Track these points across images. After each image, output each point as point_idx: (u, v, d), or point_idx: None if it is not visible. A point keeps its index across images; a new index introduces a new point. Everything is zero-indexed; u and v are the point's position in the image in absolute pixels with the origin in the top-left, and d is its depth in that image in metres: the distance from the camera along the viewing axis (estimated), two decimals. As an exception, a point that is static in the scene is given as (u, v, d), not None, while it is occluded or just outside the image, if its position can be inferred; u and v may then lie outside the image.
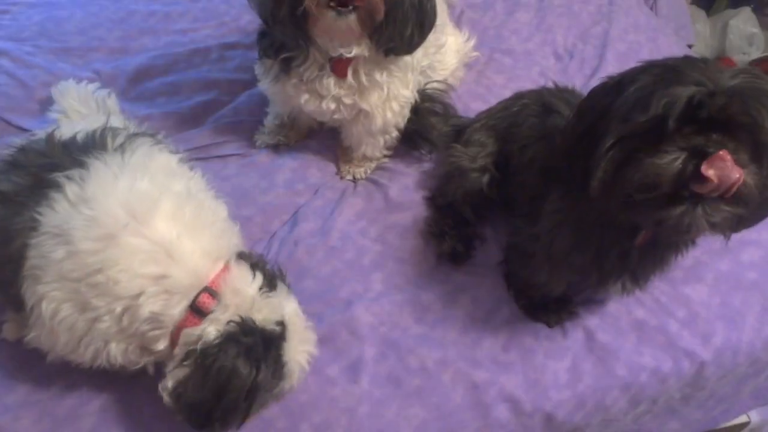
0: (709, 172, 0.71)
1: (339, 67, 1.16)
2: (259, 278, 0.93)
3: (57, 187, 0.90)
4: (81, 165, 0.92)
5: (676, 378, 1.14)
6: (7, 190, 0.93)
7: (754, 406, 1.40)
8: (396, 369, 1.11)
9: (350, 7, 1.03)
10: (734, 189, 0.72)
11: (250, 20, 1.66)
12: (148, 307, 0.86)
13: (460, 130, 1.34)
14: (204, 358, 0.84)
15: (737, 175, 0.71)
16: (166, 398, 0.87)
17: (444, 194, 1.29)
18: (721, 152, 0.71)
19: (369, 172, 1.42)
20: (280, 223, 1.32)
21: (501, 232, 1.29)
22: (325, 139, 1.47)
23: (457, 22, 1.74)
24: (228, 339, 0.85)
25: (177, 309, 0.88)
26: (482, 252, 1.27)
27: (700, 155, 0.72)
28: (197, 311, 0.88)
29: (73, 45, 1.65)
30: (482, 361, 1.12)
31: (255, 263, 0.96)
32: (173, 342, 0.90)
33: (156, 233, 0.87)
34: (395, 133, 1.36)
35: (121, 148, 0.98)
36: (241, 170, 1.40)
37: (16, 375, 1.06)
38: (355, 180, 1.41)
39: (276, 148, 1.45)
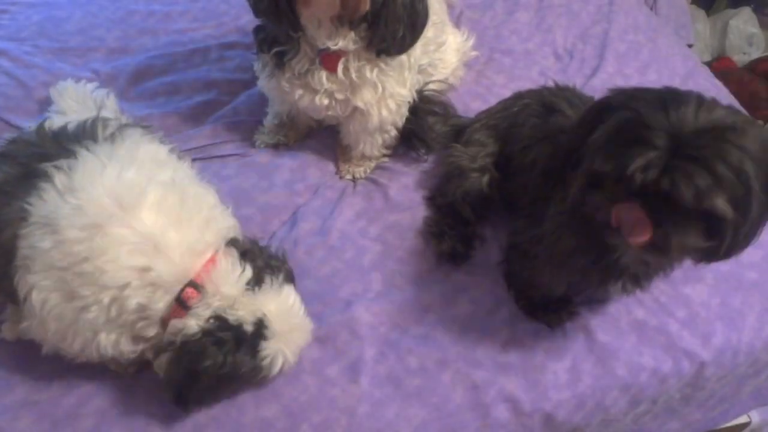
0: (617, 223, 0.80)
1: (328, 61, 1.17)
2: (248, 272, 0.94)
3: (46, 176, 0.90)
4: (69, 154, 0.93)
5: (676, 378, 1.14)
6: None
7: (755, 407, 1.40)
8: (396, 369, 1.11)
9: None
10: (640, 244, 0.79)
11: (249, 20, 1.66)
12: (135, 299, 0.87)
13: (460, 130, 1.34)
14: (183, 349, 0.90)
15: (644, 237, 0.78)
16: (158, 372, 0.94)
17: (444, 194, 1.29)
18: (633, 210, 0.78)
19: (368, 171, 1.42)
20: (279, 223, 1.32)
21: (501, 232, 1.28)
22: (325, 139, 1.47)
23: (457, 22, 1.74)
24: (205, 334, 0.89)
25: (162, 303, 0.90)
26: (482, 252, 1.27)
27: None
28: (182, 304, 0.90)
29: (73, 45, 1.65)
30: (482, 361, 1.12)
31: (246, 251, 0.97)
32: (164, 327, 0.92)
33: (142, 224, 0.88)
34: (394, 132, 1.36)
35: (111, 138, 0.98)
36: (240, 170, 1.39)
37: (16, 375, 1.06)
38: (354, 180, 1.41)
39: (275, 147, 1.45)
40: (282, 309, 0.96)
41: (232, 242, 0.98)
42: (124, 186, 0.90)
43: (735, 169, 0.73)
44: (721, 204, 0.74)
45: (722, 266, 1.25)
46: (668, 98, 0.78)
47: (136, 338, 0.93)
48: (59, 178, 0.90)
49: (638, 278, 0.99)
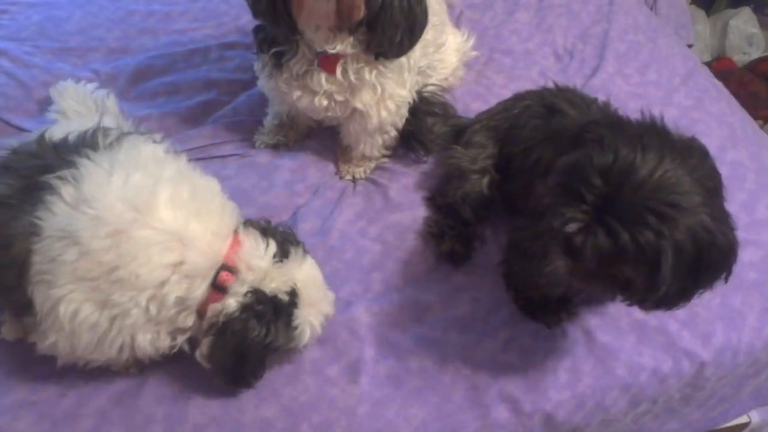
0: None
1: (326, 63, 1.17)
2: (273, 246, 0.98)
3: (50, 189, 0.90)
4: (70, 165, 0.93)
5: (676, 378, 1.14)
6: (2, 193, 0.93)
7: (755, 407, 1.40)
8: (396, 369, 1.11)
9: None
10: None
11: (249, 20, 1.65)
12: (174, 293, 0.90)
13: (460, 131, 1.34)
14: (225, 328, 0.93)
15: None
16: (204, 364, 0.97)
17: (444, 195, 1.29)
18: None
19: (368, 172, 1.42)
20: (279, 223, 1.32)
21: (501, 232, 1.28)
22: (325, 140, 1.47)
23: (457, 22, 1.74)
24: (245, 309, 0.93)
25: (200, 290, 0.92)
26: (482, 253, 1.27)
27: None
28: (219, 288, 0.93)
29: (73, 45, 1.65)
30: (482, 361, 1.12)
31: (265, 229, 1.00)
32: (201, 316, 0.95)
33: (163, 223, 0.89)
34: (393, 133, 1.36)
35: (110, 146, 0.99)
36: (240, 170, 1.39)
37: (16, 375, 1.06)
38: (354, 180, 1.41)
39: (275, 148, 1.45)
40: (309, 278, 1.01)
41: (248, 223, 1.01)
42: (134, 189, 0.91)
43: (651, 249, 0.75)
44: (627, 271, 0.79)
45: (722, 266, 1.25)
46: (634, 142, 0.79)
47: (174, 331, 0.95)
48: (66, 190, 0.89)
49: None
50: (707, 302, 1.21)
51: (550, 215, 0.79)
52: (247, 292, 0.93)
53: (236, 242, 0.96)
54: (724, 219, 0.81)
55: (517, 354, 1.13)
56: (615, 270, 0.79)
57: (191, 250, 0.90)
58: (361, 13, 1.05)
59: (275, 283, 0.95)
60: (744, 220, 1.33)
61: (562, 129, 1.07)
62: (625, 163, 0.77)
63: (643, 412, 1.18)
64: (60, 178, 0.90)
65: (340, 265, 1.24)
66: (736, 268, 1.23)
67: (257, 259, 0.95)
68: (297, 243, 1.03)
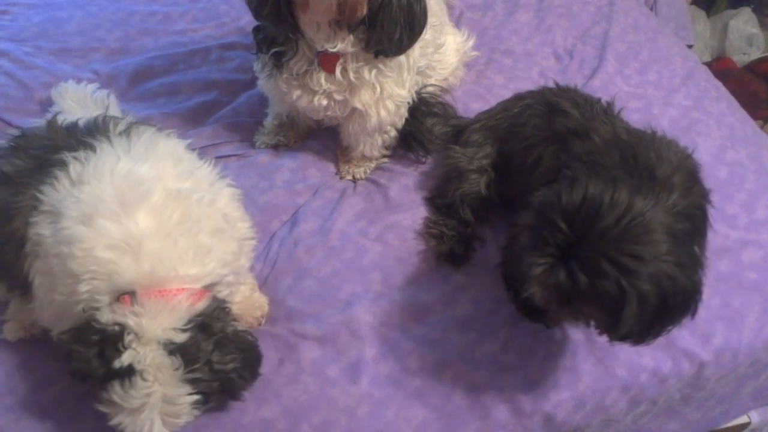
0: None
1: (326, 62, 1.17)
2: (176, 361, 0.83)
3: (62, 165, 0.91)
4: (87, 146, 0.94)
5: (676, 379, 1.14)
6: (9, 171, 0.94)
7: (754, 407, 1.40)
8: (396, 369, 1.11)
9: None
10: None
11: (249, 21, 1.66)
12: (85, 287, 0.83)
13: (460, 131, 1.34)
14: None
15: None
16: None
17: (443, 195, 1.29)
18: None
19: (368, 172, 1.42)
20: (279, 223, 1.32)
21: (500, 233, 1.28)
22: (325, 140, 1.47)
23: (457, 22, 1.74)
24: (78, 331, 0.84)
25: (103, 303, 0.85)
26: (482, 253, 1.27)
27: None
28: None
29: (73, 46, 1.65)
30: (482, 361, 1.12)
31: (188, 346, 0.84)
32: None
33: (134, 224, 0.85)
34: (393, 133, 1.36)
35: (126, 133, 0.99)
36: (240, 170, 1.40)
37: (17, 376, 1.06)
38: (354, 180, 1.41)
39: (275, 148, 1.45)
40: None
41: (203, 314, 0.87)
42: (132, 182, 0.89)
43: (608, 296, 0.78)
44: (588, 311, 0.85)
45: (722, 267, 1.25)
46: (606, 181, 0.83)
47: None
48: (74, 168, 0.91)
49: None
50: (707, 303, 1.20)
51: (524, 255, 0.84)
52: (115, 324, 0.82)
53: (173, 293, 0.84)
54: (689, 262, 0.83)
55: (517, 354, 1.13)
56: (578, 307, 0.84)
57: (129, 262, 0.83)
58: (364, 10, 1.05)
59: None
60: (744, 220, 1.33)
61: (565, 129, 1.07)
62: (591, 208, 0.80)
63: (643, 412, 1.18)
64: (75, 157, 0.92)
65: (340, 264, 1.24)
66: (737, 269, 1.26)
67: (153, 329, 0.82)
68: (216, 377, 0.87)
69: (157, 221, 0.87)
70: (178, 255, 0.87)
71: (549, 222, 0.81)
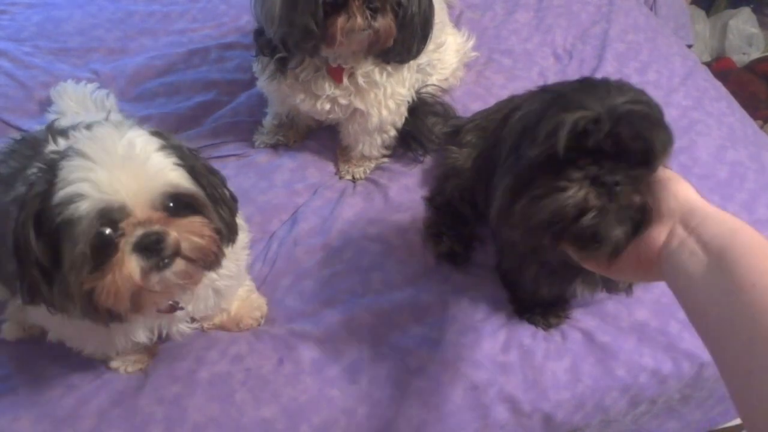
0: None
1: (336, 73, 1.17)
2: None
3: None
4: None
5: (676, 379, 1.14)
6: (5, 173, 0.94)
7: (754, 407, 1.40)
8: (395, 369, 1.11)
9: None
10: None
11: (248, 20, 1.66)
12: None
13: (458, 131, 1.34)
14: None
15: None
16: None
17: (442, 194, 1.29)
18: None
19: (368, 172, 1.42)
20: (279, 223, 1.32)
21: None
22: (324, 139, 1.47)
23: (457, 22, 1.74)
24: None
25: None
26: (482, 253, 1.27)
27: (598, 185, 0.69)
28: None
29: (72, 45, 1.65)
30: (481, 361, 1.12)
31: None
32: None
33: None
34: (393, 132, 1.36)
35: None
36: (240, 170, 1.40)
37: (16, 375, 1.06)
38: (354, 180, 1.41)
39: (275, 148, 1.45)
40: None
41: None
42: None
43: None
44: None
45: (722, 266, 1.24)
46: (579, 87, 0.74)
47: None
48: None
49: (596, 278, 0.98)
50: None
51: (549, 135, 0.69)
52: None
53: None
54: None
55: (517, 354, 1.13)
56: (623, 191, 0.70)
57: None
58: (391, 41, 1.07)
59: None
60: (744, 220, 1.31)
61: None
62: (601, 93, 0.71)
63: (643, 412, 1.18)
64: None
65: (340, 264, 1.24)
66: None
67: None
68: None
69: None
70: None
71: (567, 97, 0.71)
